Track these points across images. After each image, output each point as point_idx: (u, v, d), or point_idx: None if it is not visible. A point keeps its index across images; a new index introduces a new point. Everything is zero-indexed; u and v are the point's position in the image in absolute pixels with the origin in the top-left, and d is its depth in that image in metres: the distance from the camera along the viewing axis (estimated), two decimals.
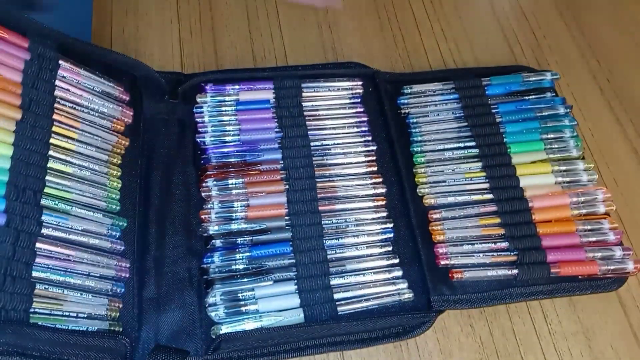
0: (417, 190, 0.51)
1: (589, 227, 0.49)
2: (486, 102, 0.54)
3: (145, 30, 0.60)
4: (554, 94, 0.56)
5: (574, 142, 0.53)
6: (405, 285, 0.46)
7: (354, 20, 0.64)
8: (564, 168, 0.51)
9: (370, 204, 0.50)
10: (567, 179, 0.51)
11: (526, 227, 0.48)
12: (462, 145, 0.52)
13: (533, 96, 0.55)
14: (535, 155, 0.52)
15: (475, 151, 0.52)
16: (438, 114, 0.54)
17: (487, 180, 0.51)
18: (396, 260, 0.47)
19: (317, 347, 0.44)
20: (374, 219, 0.49)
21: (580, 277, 0.47)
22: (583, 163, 0.52)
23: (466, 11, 0.66)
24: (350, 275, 0.46)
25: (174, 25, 0.61)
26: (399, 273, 0.47)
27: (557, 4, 0.67)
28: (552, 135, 0.53)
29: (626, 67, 0.62)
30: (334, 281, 0.46)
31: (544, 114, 0.54)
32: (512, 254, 0.47)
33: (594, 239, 0.48)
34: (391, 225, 0.49)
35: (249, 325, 0.43)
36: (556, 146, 0.52)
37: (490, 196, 0.50)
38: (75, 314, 0.41)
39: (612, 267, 0.47)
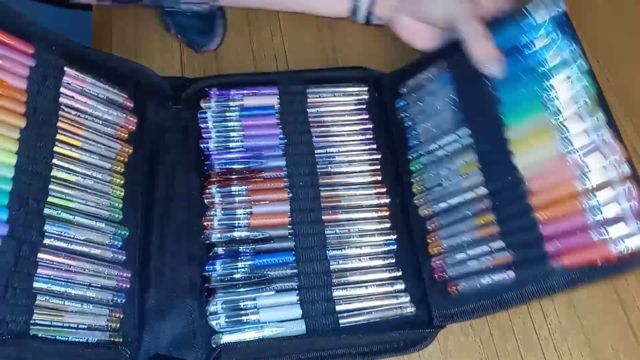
0: (414, 200, 0.49)
1: (597, 201, 0.40)
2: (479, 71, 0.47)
3: (145, 30, 0.60)
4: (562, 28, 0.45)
5: (583, 92, 0.42)
6: (407, 299, 0.46)
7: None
8: (567, 134, 0.42)
9: (374, 214, 0.49)
10: (572, 146, 0.42)
11: (523, 219, 0.43)
12: (456, 137, 0.48)
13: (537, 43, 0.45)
14: (537, 122, 0.44)
15: (470, 140, 0.47)
16: (434, 105, 0.50)
17: (481, 171, 0.46)
18: (399, 273, 0.47)
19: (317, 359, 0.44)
20: (377, 229, 0.48)
21: (591, 264, 0.39)
22: (591, 117, 0.42)
23: None
24: (352, 287, 0.46)
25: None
26: (402, 286, 0.46)
27: None
28: (555, 92, 0.43)
29: (626, 67, 0.62)
30: (336, 293, 0.45)
31: (548, 66, 0.44)
32: (508, 254, 0.43)
33: (607, 215, 0.40)
34: (394, 237, 0.48)
35: (250, 334, 0.43)
36: (561, 103, 0.43)
37: (484, 191, 0.45)
38: (75, 325, 0.41)
39: (630, 245, 0.38)
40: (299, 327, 0.44)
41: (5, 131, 0.41)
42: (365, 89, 0.54)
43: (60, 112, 0.45)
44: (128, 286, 0.44)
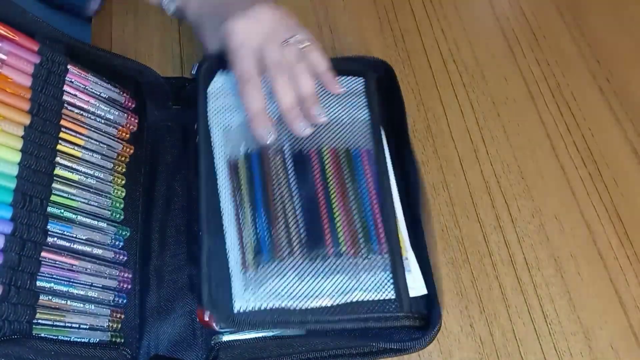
0: None
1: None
2: None
3: (145, 30, 0.60)
4: None
5: None
6: None
7: (354, 20, 0.64)
8: None
9: None
10: None
11: None
12: None
13: None
14: None
15: None
16: None
17: None
18: None
19: None
20: None
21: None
22: None
23: (466, 11, 0.66)
24: None
25: (174, 25, 0.61)
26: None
27: (557, 4, 0.67)
28: None
29: (626, 67, 0.62)
30: None
31: None
32: None
33: None
34: None
35: (250, 335, 0.43)
36: None
37: None
38: (77, 325, 0.40)
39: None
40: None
41: (9, 128, 0.40)
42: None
43: (64, 110, 0.44)
44: (129, 287, 0.44)
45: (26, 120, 0.42)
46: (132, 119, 0.50)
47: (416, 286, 0.44)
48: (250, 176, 0.46)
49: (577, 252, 0.52)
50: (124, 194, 0.47)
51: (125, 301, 0.44)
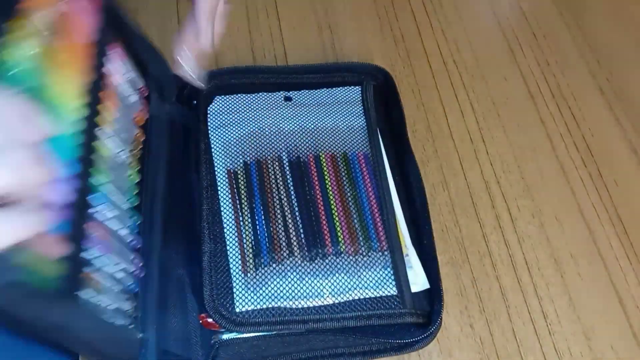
0: None
1: None
2: None
3: (145, 30, 0.60)
4: None
5: None
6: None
7: (354, 20, 0.64)
8: None
9: None
10: None
11: None
12: None
13: None
14: None
15: None
16: None
17: None
18: None
19: (317, 359, 0.43)
20: None
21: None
22: None
23: (466, 11, 0.66)
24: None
25: (174, 25, 0.61)
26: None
27: (557, 4, 0.67)
28: None
29: (626, 67, 0.62)
30: None
31: None
32: None
33: None
34: None
35: (251, 333, 0.43)
36: None
37: None
38: (106, 305, 0.38)
39: None
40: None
41: (70, 88, 0.36)
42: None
43: (101, 82, 0.41)
44: (143, 274, 0.43)
45: (81, 79, 0.37)
46: (145, 107, 0.48)
47: (418, 282, 0.45)
48: (249, 182, 0.47)
49: (577, 252, 0.52)
50: (137, 179, 0.45)
51: (137, 289, 0.42)
